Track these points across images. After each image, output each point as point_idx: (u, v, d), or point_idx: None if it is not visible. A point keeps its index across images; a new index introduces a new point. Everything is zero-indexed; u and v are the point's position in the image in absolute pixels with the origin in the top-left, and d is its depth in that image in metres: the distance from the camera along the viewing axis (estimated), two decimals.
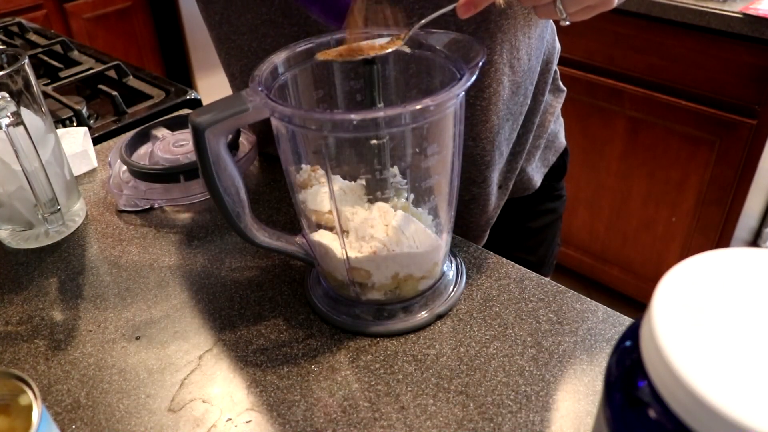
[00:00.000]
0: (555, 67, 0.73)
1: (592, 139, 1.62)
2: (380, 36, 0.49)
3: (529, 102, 0.68)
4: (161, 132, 0.76)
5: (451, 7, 0.46)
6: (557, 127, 0.78)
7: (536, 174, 0.76)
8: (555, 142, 0.78)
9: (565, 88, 0.77)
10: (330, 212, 0.49)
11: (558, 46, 0.73)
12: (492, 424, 0.43)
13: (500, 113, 0.64)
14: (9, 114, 0.54)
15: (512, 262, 0.57)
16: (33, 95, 0.62)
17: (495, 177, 0.69)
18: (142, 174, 0.69)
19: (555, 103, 0.76)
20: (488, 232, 0.73)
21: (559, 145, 0.79)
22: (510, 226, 0.77)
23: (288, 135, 0.47)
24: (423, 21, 0.47)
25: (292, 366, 0.49)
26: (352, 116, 0.41)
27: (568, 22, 0.48)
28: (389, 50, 0.47)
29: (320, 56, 0.48)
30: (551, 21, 0.70)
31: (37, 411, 0.35)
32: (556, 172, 0.79)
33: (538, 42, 0.65)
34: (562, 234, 0.88)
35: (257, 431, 0.44)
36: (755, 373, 0.21)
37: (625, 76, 1.48)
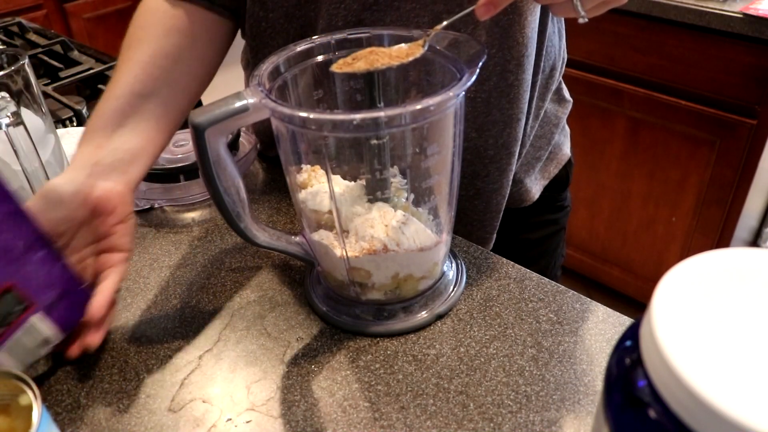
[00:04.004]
0: (560, 76, 0.71)
1: (592, 139, 1.62)
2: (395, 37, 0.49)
3: (535, 99, 0.67)
4: None
5: (471, 8, 0.45)
6: (561, 138, 0.76)
7: (534, 186, 0.74)
8: (558, 154, 0.76)
9: (570, 99, 0.75)
10: (330, 212, 0.49)
11: (564, 55, 0.71)
12: (492, 424, 0.43)
13: (503, 107, 0.63)
14: (9, 114, 0.54)
15: (512, 262, 0.57)
16: (33, 95, 0.62)
17: (502, 175, 0.67)
18: None
19: (560, 114, 0.74)
20: (494, 236, 0.72)
21: (562, 157, 0.76)
22: (508, 238, 0.75)
23: (288, 135, 0.47)
24: (445, 23, 0.47)
25: (292, 366, 0.49)
26: (353, 116, 0.41)
27: (586, 19, 0.46)
28: (411, 59, 0.46)
29: (336, 68, 0.47)
30: (560, 25, 0.70)
31: (37, 411, 0.35)
32: (558, 183, 0.77)
33: (534, 33, 0.64)
34: None
35: (257, 431, 0.44)
36: (755, 373, 0.21)
37: (625, 76, 1.48)
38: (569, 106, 0.75)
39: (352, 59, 0.46)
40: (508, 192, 0.69)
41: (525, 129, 0.68)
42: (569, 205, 0.81)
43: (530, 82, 0.65)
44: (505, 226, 0.72)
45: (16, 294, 0.44)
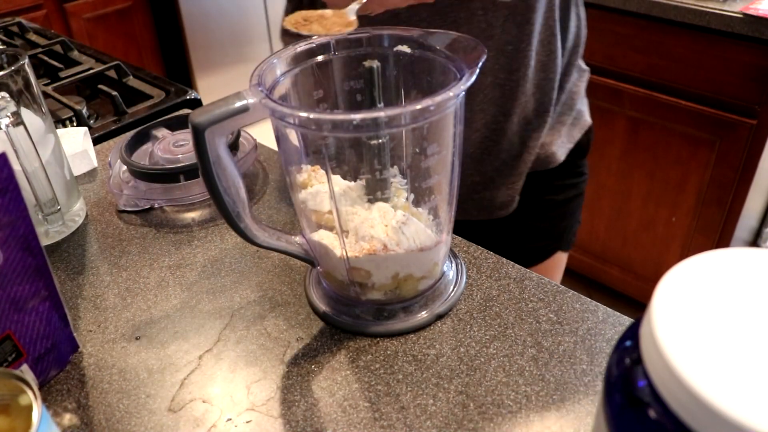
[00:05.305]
0: (582, 50, 0.77)
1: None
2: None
3: (558, 77, 0.73)
4: (161, 132, 0.76)
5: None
6: (582, 105, 0.82)
7: (560, 149, 0.79)
8: (581, 120, 0.82)
9: (587, 68, 0.81)
10: (330, 212, 0.49)
11: (585, 31, 0.76)
12: (492, 424, 0.43)
13: (527, 91, 0.70)
14: (9, 114, 0.54)
15: (512, 262, 0.57)
16: (33, 95, 0.62)
17: (529, 149, 0.74)
18: (142, 174, 0.69)
19: (580, 83, 0.80)
20: (517, 198, 0.77)
21: (584, 122, 0.83)
22: (534, 198, 0.81)
23: (288, 135, 0.47)
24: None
25: (292, 366, 0.49)
26: (352, 116, 0.41)
27: None
28: (351, 28, 0.48)
29: (290, 26, 0.49)
30: (582, 6, 0.75)
31: (37, 411, 0.35)
32: (579, 150, 0.83)
33: (542, 18, 0.70)
34: None
35: (257, 431, 0.44)
36: (755, 373, 0.21)
37: (625, 76, 1.48)
38: (587, 75, 0.81)
39: (303, 20, 0.48)
40: (533, 158, 0.76)
41: (551, 102, 0.75)
42: (587, 173, 0.88)
43: (555, 62, 0.71)
44: (531, 188, 0.79)
45: (12, 342, 0.45)
